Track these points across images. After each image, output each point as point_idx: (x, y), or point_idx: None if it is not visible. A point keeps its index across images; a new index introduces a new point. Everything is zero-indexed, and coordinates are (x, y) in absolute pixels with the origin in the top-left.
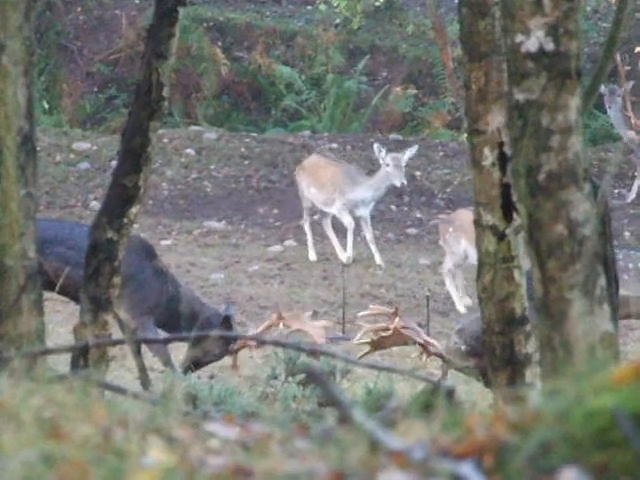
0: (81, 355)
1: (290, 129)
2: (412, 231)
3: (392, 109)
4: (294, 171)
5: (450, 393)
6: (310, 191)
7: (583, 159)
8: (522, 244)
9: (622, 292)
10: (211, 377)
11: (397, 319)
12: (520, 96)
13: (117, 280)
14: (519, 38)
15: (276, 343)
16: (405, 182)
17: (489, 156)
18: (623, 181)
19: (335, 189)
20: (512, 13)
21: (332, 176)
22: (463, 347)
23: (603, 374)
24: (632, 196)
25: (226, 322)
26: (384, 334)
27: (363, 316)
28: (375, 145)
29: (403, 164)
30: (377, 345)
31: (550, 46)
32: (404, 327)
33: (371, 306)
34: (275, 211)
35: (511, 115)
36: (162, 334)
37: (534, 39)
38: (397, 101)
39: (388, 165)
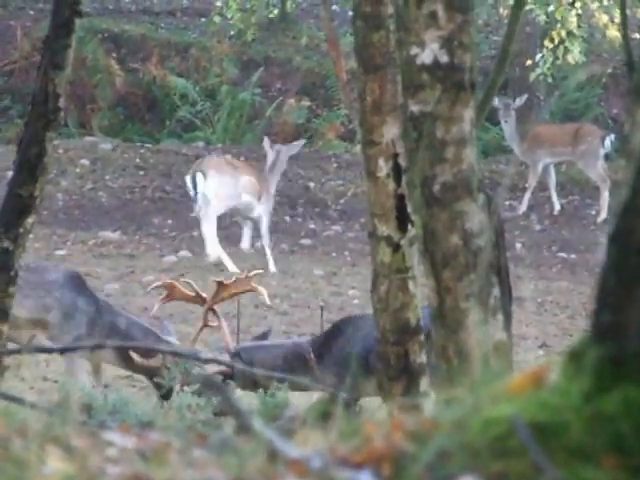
0: None
1: (184, 140)
2: (306, 242)
3: (286, 121)
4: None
5: (348, 402)
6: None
7: (477, 170)
8: (417, 255)
9: None
10: (105, 386)
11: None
12: (415, 108)
13: (13, 290)
14: (414, 50)
15: (173, 353)
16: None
17: (384, 167)
18: (514, 193)
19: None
20: (407, 26)
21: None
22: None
23: (500, 383)
24: (523, 208)
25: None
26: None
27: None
28: (265, 138)
29: (284, 158)
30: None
31: (444, 59)
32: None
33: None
34: (169, 221)
35: (406, 127)
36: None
37: (429, 51)
38: (291, 113)
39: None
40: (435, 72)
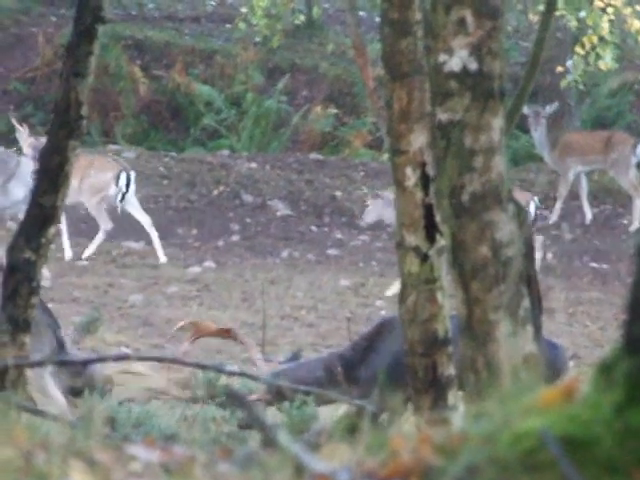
0: None
1: (209, 148)
2: (333, 252)
3: (312, 128)
4: (213, 191)
5: (375, 415)
6: None
7: (506, 180)
8: (445, 265)
9: None
10: (129, 400)
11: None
12: (443, 116)
13: (35, 300)
14: (442, 58)
15: (197, 365)
16: None
17: (411, 176)
18: (545, 202)
19: None
20: (435, 32)
21: None
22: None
23: (530, 396)
24: (554, 217)
25: None
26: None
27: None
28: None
29: None
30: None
31: (473, 66)
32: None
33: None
34: (194, 231)
35: (434, 135)
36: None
37: (457, 59)
38: (317, 120)
39: None
40: (464, 80)
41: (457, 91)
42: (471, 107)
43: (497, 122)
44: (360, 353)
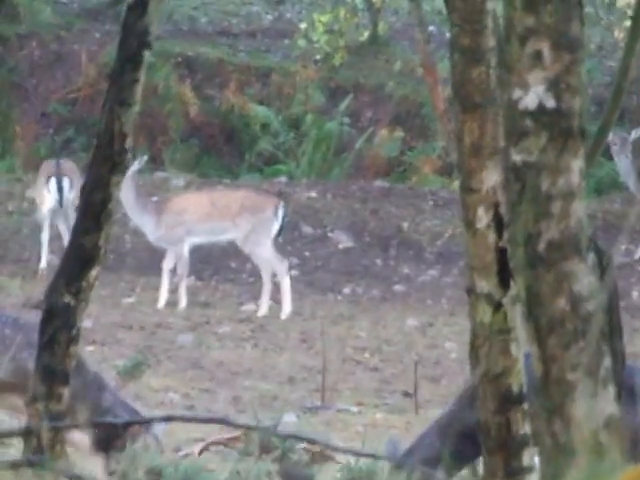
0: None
1: (265, 175)
2: (399, 288)
3: (377, 153)
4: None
5: None
6: None
7: (586, 226)
8: (519, 315)
9: None
10: (177, 451)
11: None
12: (517, 157)
13: (74, 349)
14: (517, 93)
15: (249, 427)
16: None
17: (483, 217)
18: (630, 236)
19: None
20: (509, 65)
21: None
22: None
23: (612, 475)
24: None
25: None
26: None
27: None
28: None
29: None
30: None
31: (551, 103)
32: None
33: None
34: (249, 266)
35: (508, 177)
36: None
37: (533, 95)
38: (383, 145)
39: None
40: (540, 118)
41: (533, 130)
42: (548, 147)
43: (577, 164)
44: (470, 404)
